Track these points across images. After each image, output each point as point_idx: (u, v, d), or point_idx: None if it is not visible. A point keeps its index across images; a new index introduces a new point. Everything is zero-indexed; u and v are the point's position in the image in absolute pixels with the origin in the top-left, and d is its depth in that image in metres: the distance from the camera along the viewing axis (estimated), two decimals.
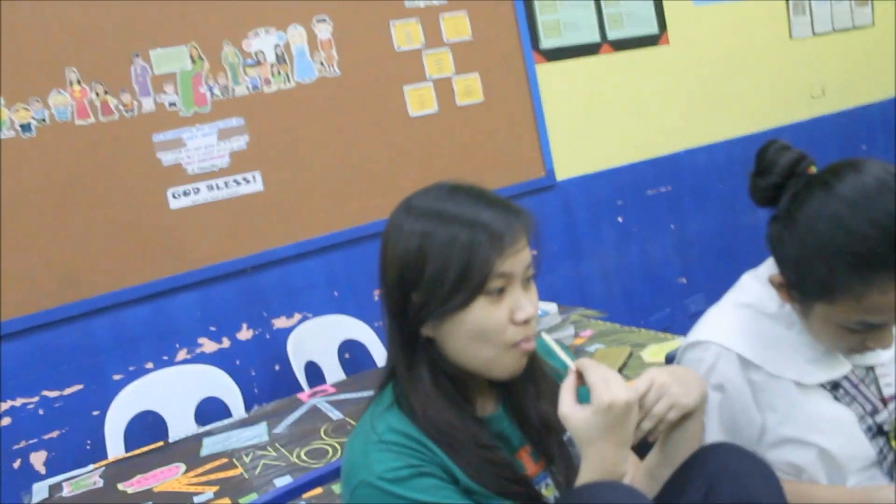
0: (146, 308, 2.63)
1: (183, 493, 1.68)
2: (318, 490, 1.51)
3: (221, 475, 1.75)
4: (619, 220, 3.68)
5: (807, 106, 4.40)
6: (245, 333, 2.80)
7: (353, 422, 1.88)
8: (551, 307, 2.32)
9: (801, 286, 1.12)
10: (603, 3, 3.60)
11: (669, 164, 3.84)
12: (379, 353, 2.84)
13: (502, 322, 1.03)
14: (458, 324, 1.03)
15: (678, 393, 1.07)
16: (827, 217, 1.05)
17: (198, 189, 2.67)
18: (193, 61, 2.65)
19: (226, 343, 2.77)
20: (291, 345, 2.71)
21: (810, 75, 4.40)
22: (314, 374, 2.75)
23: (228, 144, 2.72)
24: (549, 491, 1.12)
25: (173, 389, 2.54)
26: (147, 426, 2.49)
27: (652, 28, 3.78)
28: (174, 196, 2.64)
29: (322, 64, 2.87)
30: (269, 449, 1.87)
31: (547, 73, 3.45)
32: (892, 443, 1.21)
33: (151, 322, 2.64)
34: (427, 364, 1.07)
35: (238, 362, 2.77)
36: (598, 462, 1.00)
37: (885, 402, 1.22)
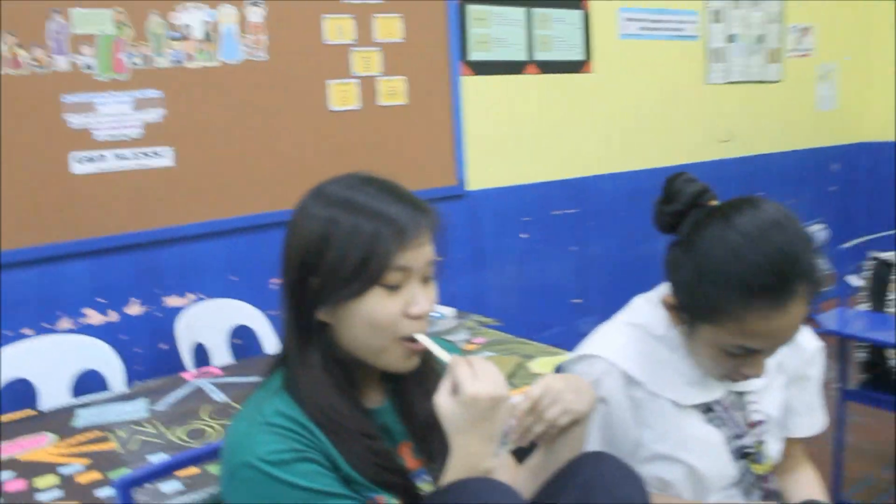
0: (32, 272, 2.54)
1: (50, 463, 1.64)
2: (195, 469, 1.51)
3: (94, 448, 1.72)
4: (524, 236, 3.77)
5: (714, 148, 4.60)
6: (134, 308, 2.75)
7: (236, 405, 1.87)
8: (449, 311, 2.37)
9: (691, 307, 1.20)
10: (534, 25, 3.69)
11: (578, 188, 3.95)
12: (270, 342, 2.83)
13: (395, 314, 1.06)
14: (352, 311, 1.06)
15: (571, 399, 1.13)
16: (723, 245, 1.15)
17: (104, 157, 2.61)
18: (117, 26, 2.58)
19: (113, 316, 2.70)
20: (181, 324, 2.68)
21: (720, 120, 4.61)
22: (202, 357, 2.72)
23: (143, 115, 2.66)
24: (427, 487, 1.16)
25: (50, 358, 2.43)
26: (16, 395, 2.40)
27: (578, 55, 3.89)
28: (78, 161, 2.57)
29: (249, 47, 2.85)
30: (147, 425, 1.84)
31: (472, 85, 3.51)
32: (752, 466, 1.31)
33: (36, 287, 2.55)
34: (319, 349, 1.10)
35: (124, 337, 2.71)
36: (463, 454, 1.04)
37: (751, 426, 1.32)
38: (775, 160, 4.98)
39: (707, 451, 1.31)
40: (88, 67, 2.56)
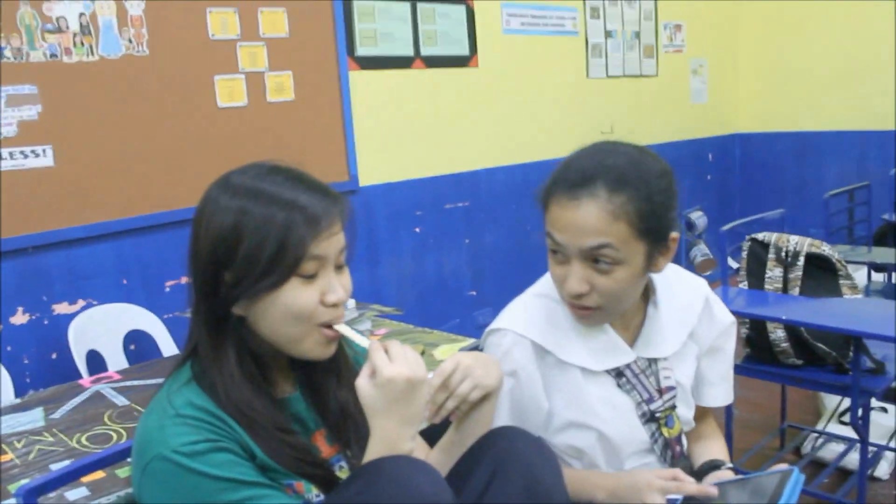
0: None
1: None
2: (100, 474, 1.46)
3: None
4: (417, 230, 3.80)
5: (597, 140, 4.74)
6: (20, 318, 2.61)
7: (140, 408, 1.81)
8: (350, 302, 2.37)
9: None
10: (419, 20, 3.72)
11: (469, 181, 4.01)
12: (167, 346, 2.75)
13: (313, 303, 1.07)
14: (269, 303, 1.06)
15: (481, 374, 1.16)
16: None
17: None
18: None
19: None
20: (73, 331, 2.56)
21: (602, 112, 4.78)
22: (96, 364, 2.61)
23: (17, 112, 2.53)
24: (343, 473, 1.16)
25: None
26: None
27: (463, 49, 3.95)
28: None
29: (130, 41, 2.75)
30: (46, 434, 1.74)
31: (359, 80, 3.51)
32: (663, 429, 1.38)
33: None
34: (234, 344, 1.08)
35: (9, 348, 2.57)
36: (381, 436, 1.05)
37: (661, 392, 1.37)
38: (654, 150, 5.18)
39: (617, 416, 1.36)
40: None
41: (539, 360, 1.34)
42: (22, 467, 1.55)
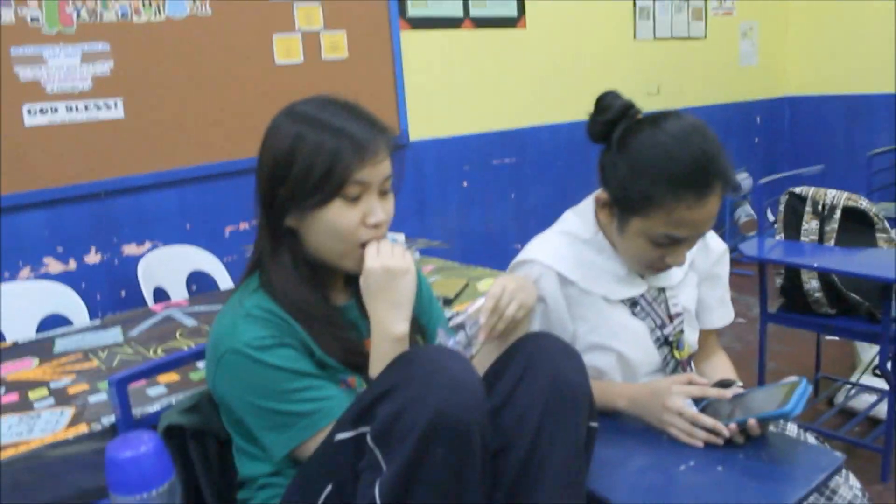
0: None
1: (38, 380, 1.74)
2: (175, 376, 1.64)
3: (78, 367, 1.81)
4: (465, 184, 3.93)
5: (643, 101, 4.74)
6: (93, 257, 2.82)
7: (207, 327, 1.99)
8: (399, 236, 2.53)
9: (624, 202, 1.37)
10: None
11: (515, 138, 4.12)
12: (226, 285, 2.93)
13: (355, 223, 1.19)
14: (317, 219, 1.18)
15: (524, 296, 1.28)
16: (654, 145, 1.32)
17: (56, 109, 2.66)
18: None
19: (72, 265, 2.78)
20: (142, 269, 2.77)
21: (648, 74, 4.82)
22: (162, 300, 2.81)
23: (92, 68, 2.72)
24: None
25: (14, 305, 2.50)
26: None
27: (511, 11, 4.03)
28: (30, 112, 2.61)
29: (194, 2, 2.91)
30: (126, 347, 1.93)
31: (410, 39, 3.63)
32: (675, 352, 1.50)
33: None
34: (289, 251, 1.23)
35: (84, 285, 2.78)
36: (375, 320, 1.20)
37: (671, 318, 1.50)
38: (702, 113, 5.18)
39: (634, 339, 1.49)
40: (35, 20, 2.60)
41: (563, 289, 1.47)
42: (107, 371, 1.75)
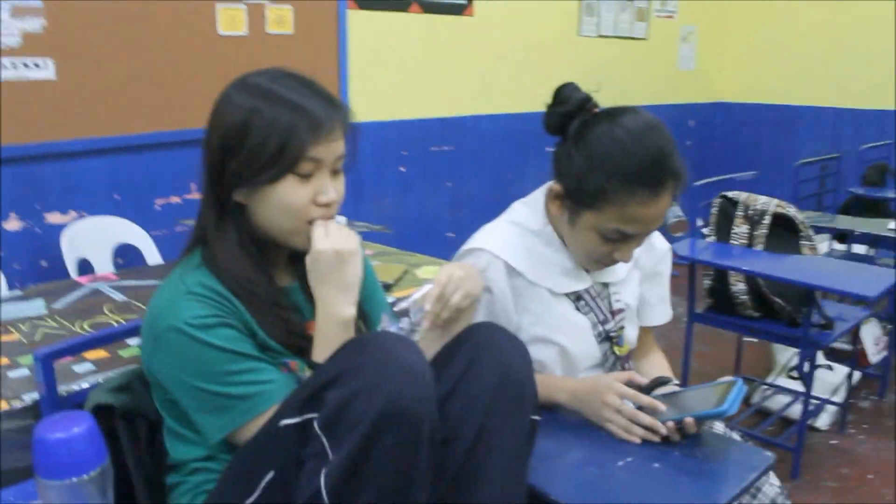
0: None
1: None
2: (103, 353, 1.58)
3: None
4: (402, 169, 3.91)
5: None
6: (14, 223, 2.70)
7: (137, 303, 1.91)
8: (341, 218, 2.49)
9: (577, 194, 1.38)
10: None
11: (455, 126, 4.11)
12: (155, 260, 2.85)
13: (306, 201, 1.16)
14: (267, 195, 1.16)
15: (470, 286, 1.27)
16: (611, 140, 1.33)
17: None
18: None
19: None
20: (65, 239, 2.66)
21: (590, 70, 4.86)
22: (86, 272, 2.71)
23: (21, 24, 2.58)
24: None
25: None
26: None
27: None
28: None
29: None
30: (49, 320, 1.85)
31: (357, 18, 3.58)
32: (615, 348, 1.52)
33: None
34: (235, 227, 1.19)
35: (2, 253, 2.66)
36: (321, 303, 1.18)
37: (614, 314, 1.52)
38: (661, 120, 5.31)
39: (577, 334, 1.50)
40: None
41: (510, 280, 1.47)
42: (29, 345, 1.67)
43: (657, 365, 1.67)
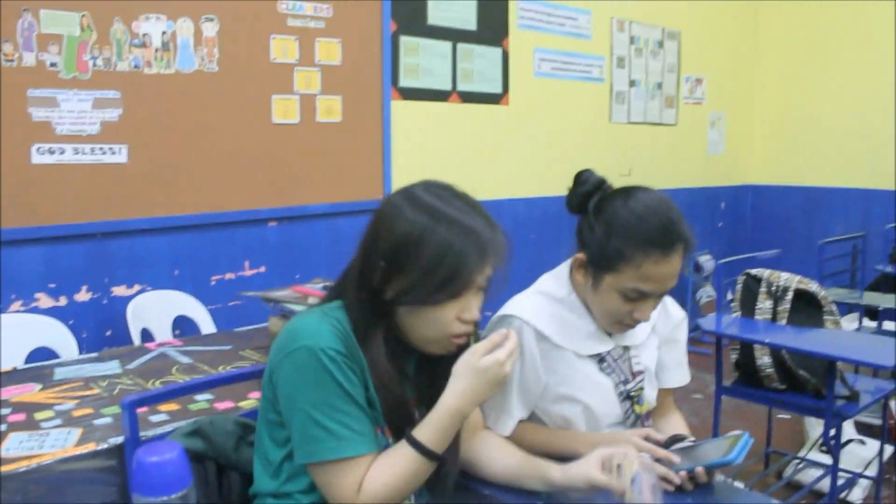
0: None
1: (43, 403, 1.83)
2: (174, 405, 1.75)
3: (80, 393, 1.91)
4: None
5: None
6: (83, 295, 2.93)
7: (202, 366, 2.10)
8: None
9: (599, 259, 1.55)
10: (458, 58, 4.06)
11: (492, 209, 4.23)
12: (209, 330, 3.04)
13: (451, 318, 1.27)
14: (420, 309, 1.26)
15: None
16: (627, 211, 1.52)
17: (63, 150, 2.80)
18: (82, 29, 2.80)
19: (62, 301, 2.87)
20: (131, 310, 2.88)
21: (621, 155, 5.08)
22: (147, 341, 2.91)
23: (101, 114, 2.87)
24: None
25: (6, 334, 2.55)
26: None
27: (497, 88, 4.28)
28: (38, 151, 2.75)
29: (203, 58, 3.10)
30: (124, 378, 2.03)
31: (400, 108, 3.84)
32: (635, 406, 1.66)
33: None
34: (384, 328, 1.29)
35: (72, 322, 2.88)
36: (454, 396, 1.26)
37: (634, 375, 1.67)
38: (670, 195, 5.48)
39: (599, 393, 1.65)
40: (53, 65, 2.76)
41: (539, 344, 1.63)
42: (108, 398, 1.85)
43: (675, 424, 1.79)
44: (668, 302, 1.77)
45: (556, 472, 1.39)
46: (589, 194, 1.59)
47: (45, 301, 2.83)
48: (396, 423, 1.31)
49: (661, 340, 1.77)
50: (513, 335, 1.31)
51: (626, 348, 1.69)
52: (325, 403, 1.21)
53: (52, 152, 2.78)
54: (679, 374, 1.80)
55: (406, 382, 1.35)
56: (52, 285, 2.85)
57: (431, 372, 1.38)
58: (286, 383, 1.24)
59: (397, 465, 1.25)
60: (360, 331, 1.27)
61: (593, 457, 1.36)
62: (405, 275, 1.24)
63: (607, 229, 1.53)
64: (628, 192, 1.56)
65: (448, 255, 1.22)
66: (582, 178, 1.62)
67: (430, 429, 1.27)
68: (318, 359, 1.21)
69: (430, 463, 1.27)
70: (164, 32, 2.99)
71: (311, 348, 1.21)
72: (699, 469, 1.41)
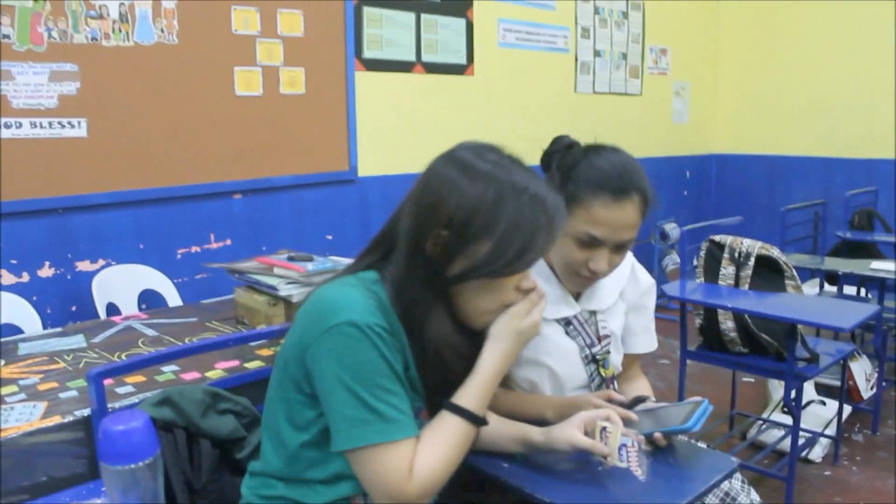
0: None
1: (7, 378, 1.82)
2: (140, 378, 1.75)
3: (45, 367, 1.90)
4: None
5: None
6: (46, 271, 2.89)
7: (169, 338, 2.10)
8: (346, 261, 2.67)
9: None
10: (422, 29, 4.04)
11: None
12: (175, 304, 3.02)
13: (512, 288, 1.26)
14: (484, 282, 1.22)
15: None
16: (587, 162, 1.55)
17: (20, 124, 2.75)
18: (35, 0, 2.74)
19: (25, 278, 2.84)
20: (96, 285, 2.85)
21: (587, 125, 5.09)
22: (112, 315, 2.89)
23: (59, 87, 2.82)
24: None
25: None
26: None
27: (461, 59, 4.27)
28: None
29: (162, 30, 3.05)
30: (90, 352, 2.02)
31: (364, 80, 3.82)
32: (601, 370, 1.68)
33: None
34: (443, 300, 1.24)
35: (35, 298, 2.85)
36: (495, 358, 1.25)
37: (600, 339, 1.69)
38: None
39: (565, 357, 1.67)
40: (7, 37, 2.70)
41: None
42: (74, 372, 1.84)
43: (641, 389, 1.82)
44: (637, 268, 1.79)
45: (538, 435, 1.41)
46: (558, 152, 1.61)
47: (7, 278, 2.79)
48: (439, 401, 1.25)
49: (630, 307, 1.79)
50: (543, 292, 1.32)
51: (594, 313, 1.72)
52: (373, 383, 1.14)
53: (8, 126, 2.73)
54: (646, 341, 1.83)
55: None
56: (14, 262, 2.81)
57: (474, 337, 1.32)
58: (326, 362, 1.15)
59: (443, 440, 1.20)
60: (407, 306, 1.21)
61: (576, 419, 1.38)
62: (476, 247, 1.19)
63: (564, 176, 1.56)
64: (595, 147, 1.60)
65: (521, 226, 1.18)
66: (556, 141, 1.64)
67: (472, 394, 1.24)
68: (366, 335, 1.13)
69: (475, 430, 1.24)
70: (121, 4, 2.94)
71: (357, 324, 1.13)
72: (657, 434, 1.44)
